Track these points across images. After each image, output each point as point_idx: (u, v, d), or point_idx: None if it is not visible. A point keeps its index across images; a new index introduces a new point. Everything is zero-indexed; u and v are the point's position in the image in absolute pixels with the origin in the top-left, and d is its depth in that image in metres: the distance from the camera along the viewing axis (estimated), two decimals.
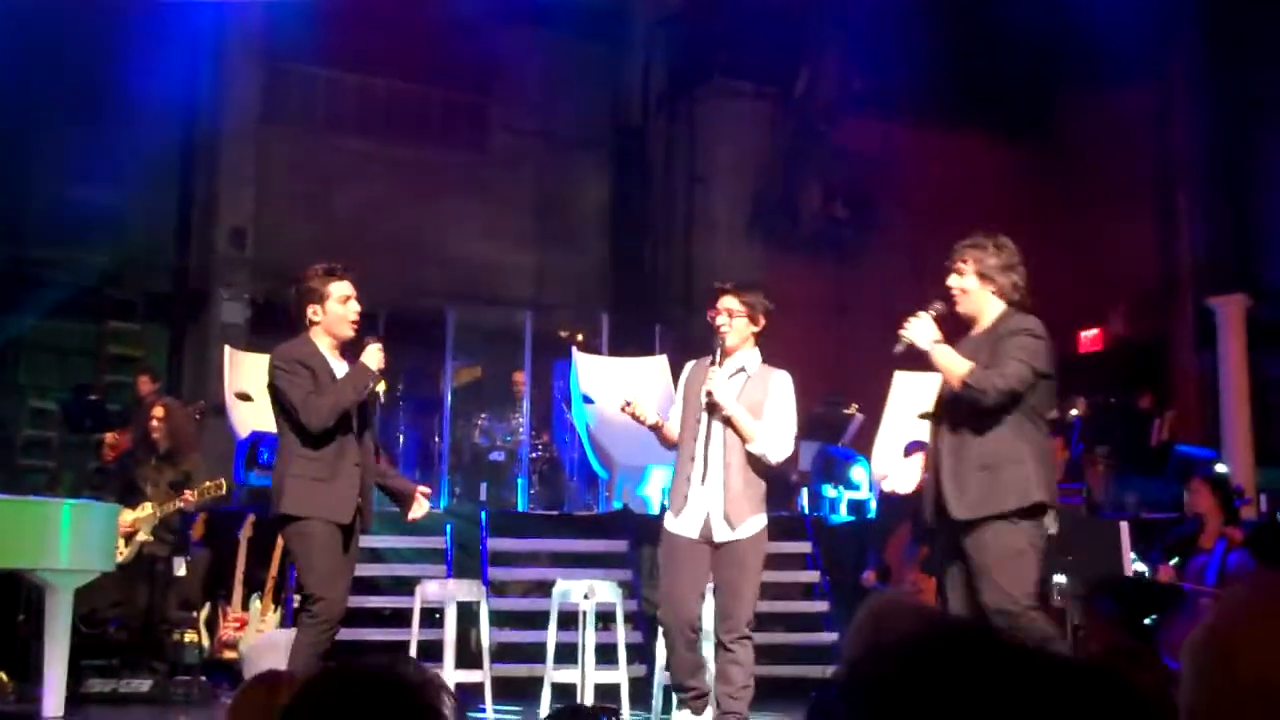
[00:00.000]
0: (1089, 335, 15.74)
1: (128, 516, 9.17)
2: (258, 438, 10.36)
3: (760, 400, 6.21)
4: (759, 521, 6.19)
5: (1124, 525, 8.21)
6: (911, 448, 10.90)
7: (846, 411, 12.31)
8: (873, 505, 11.61)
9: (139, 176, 14.13)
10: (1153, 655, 5.82)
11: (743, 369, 6.27)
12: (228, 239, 14.51)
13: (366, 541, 10.47)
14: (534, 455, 12.34)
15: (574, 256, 16.25)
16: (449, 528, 10.60)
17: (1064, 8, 14.66)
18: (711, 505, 6.15)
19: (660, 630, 6.45)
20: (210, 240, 14.58)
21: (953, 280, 5.65)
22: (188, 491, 9.10)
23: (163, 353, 14.28)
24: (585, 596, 8.08)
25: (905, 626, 1.16)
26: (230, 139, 14.81)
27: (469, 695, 8.06)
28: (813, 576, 10.66)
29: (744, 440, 6.14)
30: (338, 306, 6.10)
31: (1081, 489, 10.34)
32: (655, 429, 6.43)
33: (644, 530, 10.85)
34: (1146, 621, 8.62)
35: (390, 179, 15.32)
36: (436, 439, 12.39)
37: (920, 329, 5.58)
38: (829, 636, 10.04)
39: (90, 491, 10.95)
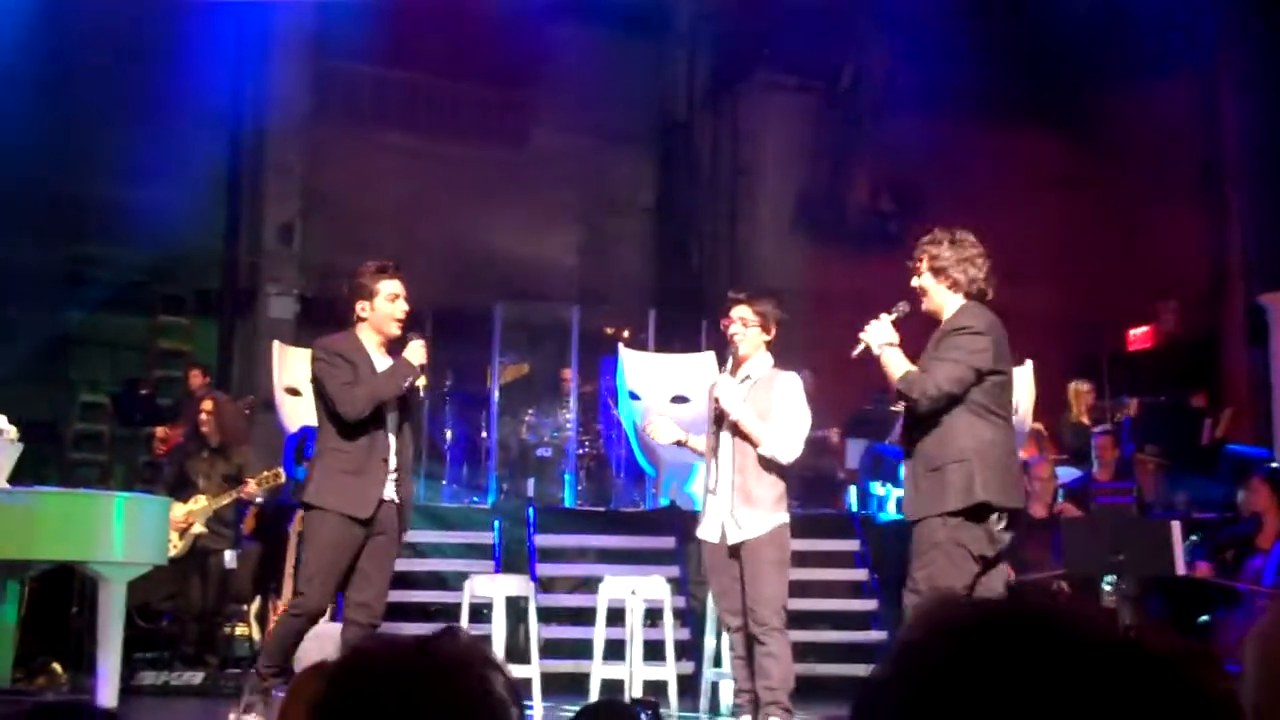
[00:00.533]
0: (1138, 333, 15.60)
1: (180, 510, 9.24)
2: (306, 432, 10.36)
3: (767, 405, 6.34)
4: (772, 520, 6.32)
5: (1175, 525, 8.14)
6: None
7: (894, 408, 12.23)
8: None
9: (188, 173, 14.21)
10: (1216, 656, 5.78)
11: (748, 376, 6.41)
12: (275, 235, 14.59)
13: (414, 537, 10.54)
14: (581, 451, 12.35)
15: (620, 252, 16.26)
16: (496, 524, 10.62)
17: (1112, 1, 14.54)
18: (724, 511, 6.34)
19: (731, 634, 6.61)
20: (258, 236, 14.67)
21: (914, 281, 5.67)
22: (250, 480, 9.18)
23: (212, 348, 14.38)
24: (632, 593, 8.10)
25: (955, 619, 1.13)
26: (278, 136, 14.88)
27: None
28: (861, 574, 10.63)
29: (753, 444, 6.28)
30: (385, 304, 6.25)
31: (1132, 488, 10.25)
32: (681, 446, 6.74)
33: (691, 526, 10.77)
34: (1199, 621, 8.55)
35: (436, 176, 15.35)
36: (484, 435, 12.43)
37: (876, 331, 5.60)
38: (877, 635, 10.01)
39: (142, 485, 11.06)
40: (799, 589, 10.01)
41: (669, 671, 8.21)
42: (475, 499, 11.88)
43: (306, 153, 15.02)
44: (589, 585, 9.29)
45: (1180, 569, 8.14)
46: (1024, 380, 11.71)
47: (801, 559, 10.66)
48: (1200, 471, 11.30)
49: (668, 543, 10.53)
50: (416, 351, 6.25)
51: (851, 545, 10.76)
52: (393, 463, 6.23)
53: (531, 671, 8.18)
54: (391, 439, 6.23)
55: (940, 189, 16.19)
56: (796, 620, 9.69)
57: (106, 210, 13.65)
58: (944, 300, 5.61)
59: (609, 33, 16.06)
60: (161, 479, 10.16)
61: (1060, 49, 15.24)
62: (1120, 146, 15.87)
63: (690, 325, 13.62)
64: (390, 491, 6.22)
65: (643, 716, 6.77)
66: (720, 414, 6.33)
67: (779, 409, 6.34)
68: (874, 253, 15.54)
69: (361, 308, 6.26)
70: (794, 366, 13.13)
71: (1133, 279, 14.94)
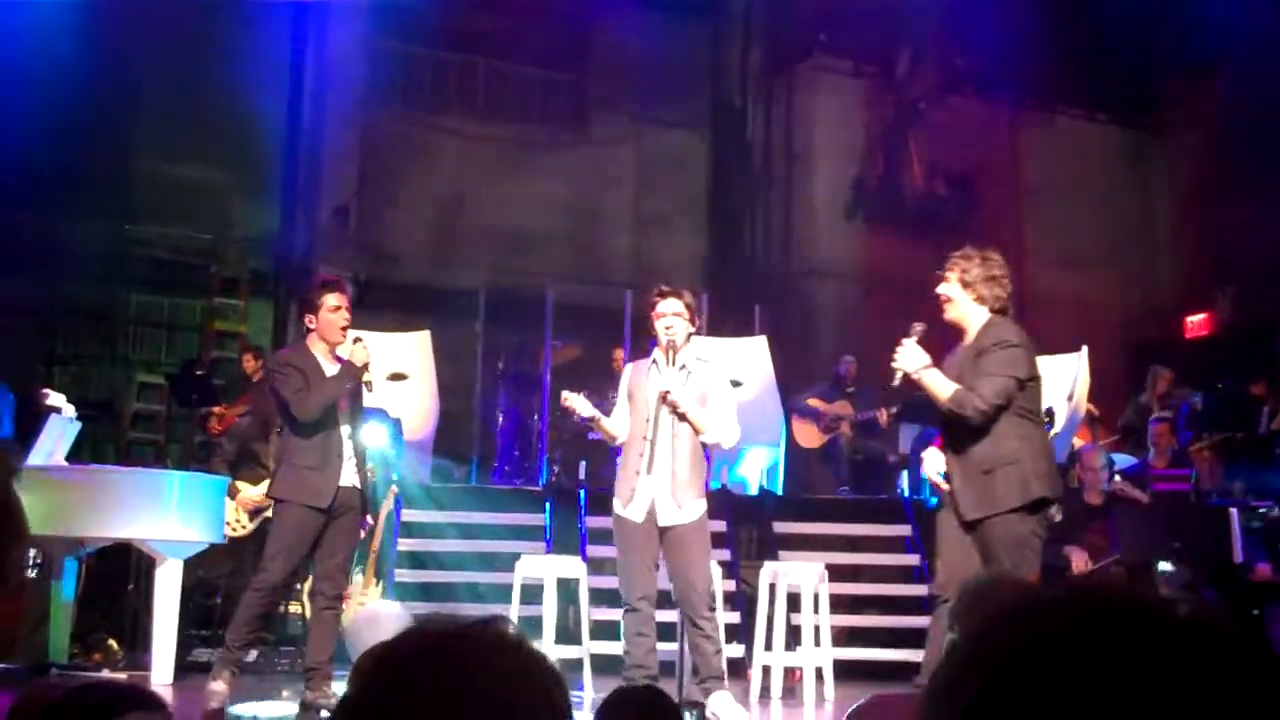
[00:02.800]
0: (1195, 320, 15.44)
1: (253, 493, 9.32)
2: (366, 414, 10.40)
3: (705, 392, 6.75)
4: (701, 506, 6.77)
5: (1234, 512, 8.06)
6: None
7: None
8: None
9: (244, 154, 14.32)
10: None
11: (684, 366, 6.78)
12: (331, 217, 14.66)
13: (466, 518, 10.60)
14: None
15: (673, 235, 16.22)
16: (548, 505, 10.64)
17: None
18: (659, 492, 6.67)
19: (629, 612, 6.79)
20: (314, 218, 14.74)
21: (941, 288, 6.07)
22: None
23: (266, 329, 14.48)
24: None
25: (1007, 604, 1.09)
26: (334, 117, 14.94)
27: (569, 671, 8.10)
28: (913, 560, 10.58)
29: (698, 433, 6.67)
30: (328, 315, 6.98)
31: (1189, 475, 10.13)
32: (593, 422, 7.02)
33: (741, 510, 10.83)
34: (1251, 614, 8.46)
35: (491, 159, 15.38)
36: (536, 417, 12.44)
37: (909, 356, 5.96)
38: (928, 620, 9.94)
39: (197, 464, 11.14)
40: (850, 573, 10.01)
41: None
42: (526, 481, 11.91)
43: (363, 135, 15.09)
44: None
45: (1238, 557, 8.07)
46: (1077, 367, 11.61)
47: (852, 544, 10.67)
48: (1258, 460, 11.16)
49: (718, 526, 10.47)
50: (359, 353, 6.92)
51: (903, 530, 10.71)
52: (347, 454, 6.96)
53: (582, 653, 8.21)
54: (345, 434, 6.97)
55: (996, 174, 16.10)
56: (847, 605, 9.70)
57: (164, 191, 13.76)
58: (969, 311, 6.03)
59: (665, 16, 16.03)
60: (221, 456, 10.21)
61: (1121, 33, 15.08)
62: (1179, 130, 15.71)
63: (744, 309, 13.60)
64: (349, 478, 6.95)
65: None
66: (668, 404, 6.65)
67: (716, 396, 6.75)
68: (929, 237, 15.44)
69: (309, 320, 7.05)
70: (850, 350, 13.09)
71: (1190, 265, 14.78)
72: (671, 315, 6.69)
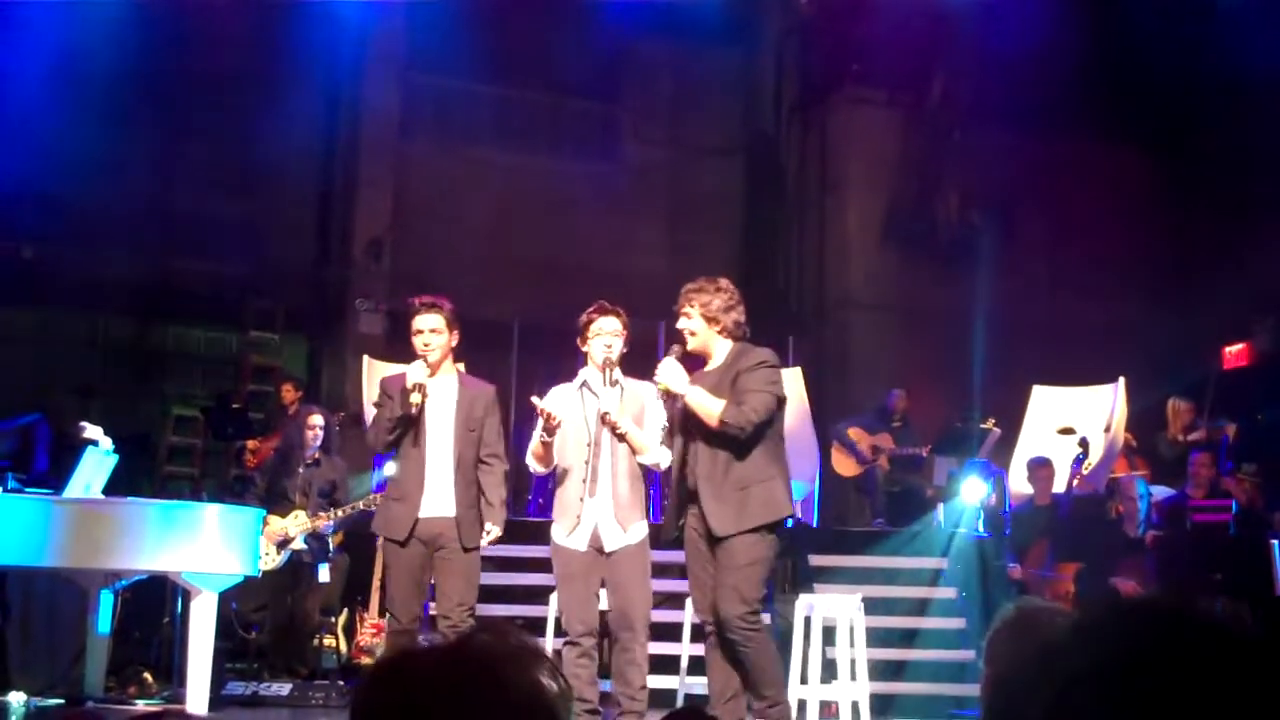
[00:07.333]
0: (1234, 350, 15.30)
1: (280, 524, 9.33)
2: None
3: (641, 410, 6.61)
4: (644, 528, 6.59)
5: (1276, 544, 7.98)
6: (1035, 463, 10.70)
7: (983, 425, 12.10)
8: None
9: (279, 189, 14.41)
10: None
11: (617, 383, 6.64)
12: (365, 250, 14.71)
13: (500, 551, 10.56)
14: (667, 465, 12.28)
15: (706, 266, 16.14)
16: None
17: (1208, 12, 14.29)
18: (601, 517, 6.49)
19: (569, 644, 6.57)
20: (348, 251, 14.80)
21: (681, 323, 6.32)
22: (359, 503, 9.31)
23: (301, 362, 14.53)
24: None
25: (1049, 632, 1.06)
26: (368, 151, 15.01)
27: (604, 705, 8.06)
28: (949, 593, 10.49)
29: (636, 453, 6.52)
30: (414, 339, 6.78)
31: (1229, 505, 10.01)
32: (549, 433, 6.55)
33: (783, 542, 10.74)
34: None
35: (524, 190, 15.40)
36: None
37: (671, 373, 6.16)
38: (966, 654, 9.86)
39: (232, 498, 11.17)
40: (885, 607, 9.92)
41: None
42: None
43: (397, 168, 15.14)
44: (673, 601, 9.23)
45: None
46: (1114, 398, 11.53)
47: (889, 576, 10.58)
48: None
49: None
50: (412, 371, 6.66)
51: (939, 563, 10.62)
52: (430, 483, 6.67)
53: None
54: (430, 461, 6.69)
55: (1030, 203, 16.03)
56: (883, 639, 9.61)
57: (199, 224, 13.84)
58: (713, 343, 6.30)
59: (697, 46, 16.06)
60: (252, 491, 10.25)
61: (1157, 61, 15.01)
62: (1213, 157, 15.61)
63: (778, 340, 13.56)
64: (437, 509, 6.65)
65: None
66: (608, 426, 6.49)
67: (650, 415, 6.60)
68: (963, 267, 15.40)
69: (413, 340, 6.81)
70: (885, 381, 13.05)
71: (1228, 295, 14.65)
72: (610, 334, 6.62)
